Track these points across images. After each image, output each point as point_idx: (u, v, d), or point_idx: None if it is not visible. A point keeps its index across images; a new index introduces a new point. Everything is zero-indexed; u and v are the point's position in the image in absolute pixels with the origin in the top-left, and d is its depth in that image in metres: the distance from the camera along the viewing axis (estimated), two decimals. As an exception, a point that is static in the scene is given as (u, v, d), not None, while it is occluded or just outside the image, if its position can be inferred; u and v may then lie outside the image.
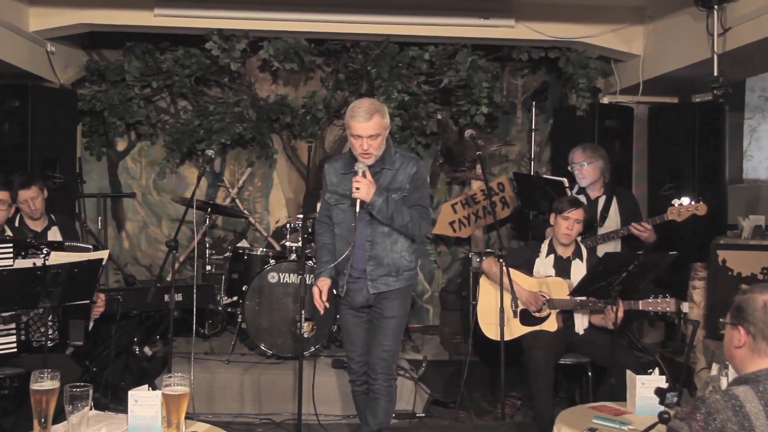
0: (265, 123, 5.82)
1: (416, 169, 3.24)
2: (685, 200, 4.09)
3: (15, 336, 3.29)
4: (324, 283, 3.29)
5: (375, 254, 3.21)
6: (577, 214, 3.89)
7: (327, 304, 3.29)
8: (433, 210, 6.20)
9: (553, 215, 3.97)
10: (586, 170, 4.43)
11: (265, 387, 4.42)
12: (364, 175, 3.10)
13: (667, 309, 3.68)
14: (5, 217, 3.73)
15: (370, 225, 3.18)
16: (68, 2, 5.15)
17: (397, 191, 3.19)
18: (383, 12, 5.34)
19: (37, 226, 4.05)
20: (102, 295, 3.68)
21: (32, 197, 3.97)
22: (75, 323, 3.55)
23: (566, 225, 3.89)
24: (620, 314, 3.53)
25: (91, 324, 3.63)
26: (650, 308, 3.69)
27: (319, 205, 3.45)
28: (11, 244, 3.29)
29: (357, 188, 3.07)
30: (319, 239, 3.42)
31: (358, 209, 3.07)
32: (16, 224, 4.00)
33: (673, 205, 4.10)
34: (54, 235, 4.07)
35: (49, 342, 3.34)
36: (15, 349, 3.30)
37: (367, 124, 3.09)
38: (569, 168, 4.55)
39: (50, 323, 3.37)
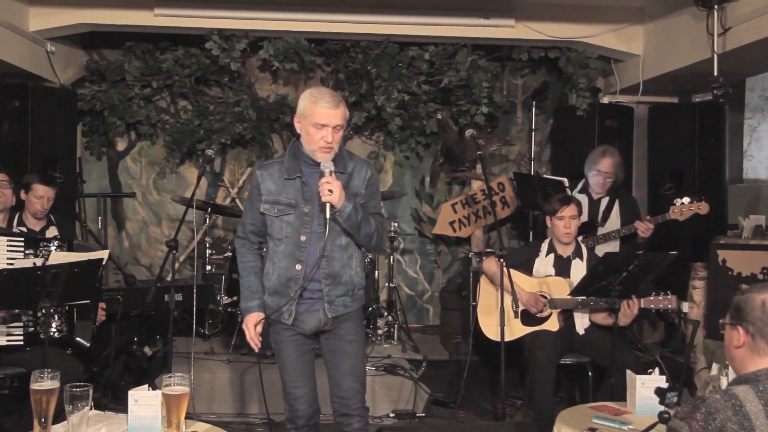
0: (265, 123, 5.82)
1: (371, 173, 2.84)
2: (687, 199, 4.08)
3: (22, 329, 3.31)
4: (258, 318, 2.77)
5: (332, 271, 2.74)
6: (570, 210, 3.89)
7: (260, 340, 2.78)
8: (433, 210, 6.21)
9: (548, 218, 3.96)
10: (609, 183, 4.40)
11: (265, 387, 4.41)
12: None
13: (669, 306, 3.67)
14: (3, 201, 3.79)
15: (323, 237, 2.67)
16: (68, 2, 5.15)
17: (353, 198, 2.75)
18: (383, 12, 5.34)
19: (36, 226, 4.07)
20: (102, 304, 3.70)
21: (49, 196, 4.03)
22: (84, 324, 3.56)
23: (563, 224, 3.89)
24: (635, 310, 3.56)
25: (95, 328, 3.65)
26: (651, 306, 3.68)
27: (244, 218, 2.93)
28: (22, 238, 3.33)
29: (330, 191, 2.61)
30: (242, 262, 2.87)
31: (328, 216, 2.62)
32: (15, 223, 4.01)
33: (675, 205, 4.10)
34: (52, 234, 4.07)
35: (56, 333, 3.36)
36: (21, 342, 3.32)
37: (336, 111, 2.66)
38: (587, 172, 4.47)
39: (57, 314, 3.39)
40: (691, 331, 2.69)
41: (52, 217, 4.17)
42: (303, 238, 2.73)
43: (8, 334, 3.30)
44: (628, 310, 3.57)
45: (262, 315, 2.77)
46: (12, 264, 3.30)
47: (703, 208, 4.05)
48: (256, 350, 2.79)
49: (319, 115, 2.65)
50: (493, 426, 4.18)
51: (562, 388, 4.39)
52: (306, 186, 2.74)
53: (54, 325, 3.36)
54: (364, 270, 2.90)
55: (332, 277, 2.75)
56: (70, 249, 3.61)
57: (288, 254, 2.74)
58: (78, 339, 3.55)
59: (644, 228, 4.14)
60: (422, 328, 5.98)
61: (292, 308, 2.75)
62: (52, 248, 3.39)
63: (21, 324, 3.33)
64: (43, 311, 3.34)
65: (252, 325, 2.76)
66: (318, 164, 2.70)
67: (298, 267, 2.73)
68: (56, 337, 3.41)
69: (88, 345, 3.56)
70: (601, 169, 4.38)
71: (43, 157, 5.09)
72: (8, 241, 3.34)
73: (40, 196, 3.99)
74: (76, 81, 5.82)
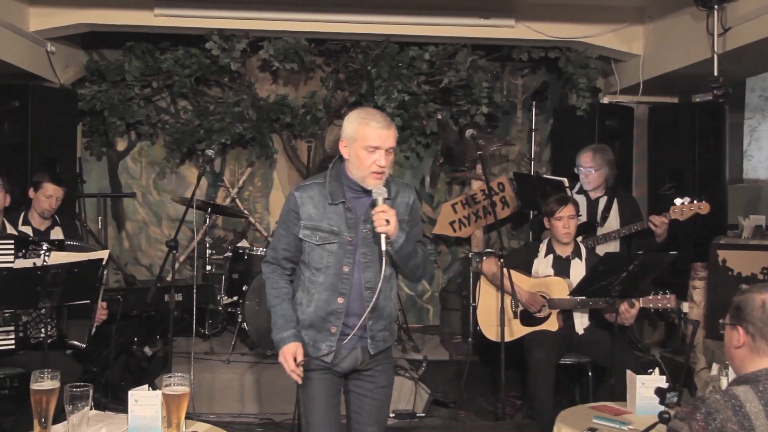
0: (265, 123, 5.82)
1: (413, 197, 2.64)
2: (687, 199, 4.08)
3: (14, 333, 3.30)
4: (296, 349, 2.51)
5: (377, 305, 2.51)
6: (568, 210, 3.89)
7: (302, 371, 2.52)
8: (433, 210, 6.21)
9: (546, 219, 3.97)
10: (593, 176, 4.42)
11: (265, 387, 4.42)
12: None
13: (668, 305, 3.68)
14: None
15: (368, 268, 2.51)
16: (68, 2, 5.15)
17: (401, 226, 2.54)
18: (383, 12, 5.34)
19: (42, 225, 4.08)
20: (104, 303, 3.69)
21: (58, 196, 4.05)
22: (79, 325, 3.55)
23: (562, 224, 3.89)
24: (634, 311, 3.57)
25: (93, 329, 3.64)
26: (651, 305, 3.69)
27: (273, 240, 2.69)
28: (12, 241, 3.31)
29: (387, 221, 2.39)
30: (274, 289, 2.60)
31: (384, 248, 2.40)
32: (20, 221, 4.02)
33: (675, 205, 4.10)
34: (57, 235, 4.08)
35: (47, 339, 3.35)
36: (13, 346, 3.30)
37: (389, 132, 2.45)
38: (575, 169, 4.54)
39: (48, 320, 3.38)
40: (691, 331, 2.69)
41: (58, 218, 4.17)
42: (346, 269, 2.50)
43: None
44: (627, 313, 3.58)
45: (300, 346, 2.51)
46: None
47: (704, 208, 4.05)
48: (300, 382, 2.54)
49: (371, 137, 2.43)
50: (493, 426, 4.19)
51: (562, 388, 4.39)
52: (350, 212, 2.51)
53: (44, 331, 3.33)
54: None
55: (376, 310, 2.51)
56: (61, 250, 3.52)
57: (329, 286, 2.51)
58: (72, 342, 3.53)
59: (659, 221, 4.11)
60: (422, 328, 5.97)
61: (333, 346, 2.52)
62: (41, 252, 3.36)
63: (13, 328, 3.30)
64: (33, 315, 3.32)
65: (291, 357, 2.48)
66: (364, 190, 2.49)
67: (340, 300, 2.50)
68: (48, 343, 3.38)
69: (84, 346, 3.55)
70: (581, 165, 4.45)
71: (43, 157, 5.09)
72: None
73: (50, 195, 4.01)
74: (76, 81, 5.82)
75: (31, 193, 4.04)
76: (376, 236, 2.44)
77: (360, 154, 2.45)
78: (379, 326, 2.57)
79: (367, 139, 2.43)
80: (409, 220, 2.59)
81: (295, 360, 2.47)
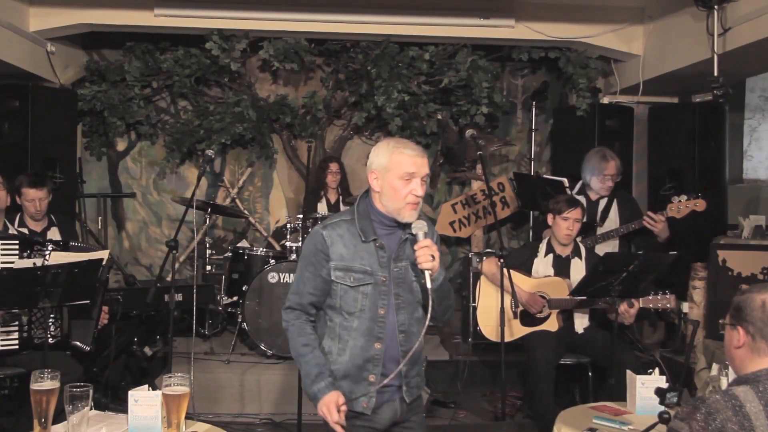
0: (265, 123, 5.82)
1: (436, 234, 2.46)
2: (684, 197, 4.09)
3: (17, 333, 3.30)
4: (339, 398, 2.23)
5: (410, 348, 2.31)
6: (576, 213, 3.88)
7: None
8: (433, 210, 6.21)
9: (551, 216, 3.95)
10: (612, 185, 4.40)
11: (265, 387, 4.42)
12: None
13: (668, 305, 3.68)
14: None
15: (402, 309, 2.33)
16: (68, 2, 5.15)
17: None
18: (383, 12, 5.34)
19: (37, 226, 4.06)
20: (106, 308, 3.69)
21: (41, 198, 3.99)
22: (83, 326, 3.55)
23: (566, 225, 3.88)
24: (634, 311, 3.59)
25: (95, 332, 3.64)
26: (650, 305, 3.69)
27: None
28: (17, 241, 3.31)
29: (432, 256, 2.23)
30: (301, 336, 2.34)
31: (429, 286, 2.21)
32: (16, 224, 4.01)
33: (672, 202, 4.10)
34: (54, 235, 4.07)
35: (50, 339, 3.35)
36: (17, 346, 3.31)
37: (423, 159, 2.29)
38: (588, 175, 4.45)
39: (52, 320, 3.38)
40: (691, 331, 2.69)
41: (53, 218, 4.17)
42: (382, 311, 2.31)
43: (2, 340, 3.28)
44: (626, 313, 3.59)
45: (340, 395, 2.23)
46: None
47: (700, 204, 4.04)
48: None
49: (407, 164, 2.26)
50: (493, 426, 4.19)
51: (562, 388, 4.39)
52: (382, 251, 2.33)
53: (48, 331, 3.34)
54: None
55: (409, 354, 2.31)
56: (66, 251, 3.52)
57: (365, 331, 2.31)
58: (76, 343, 3.53)
59: (657, 218, 4.09)
60: (422, 328, 5.96)
61: (373, 396, 2.29)
62: (47, 252, 3.36)
63: (16, 328, 3.30)
64: (37, 315, 3.33)
65: (334, 408, 2.21)
66: (396, 225, 2.33)
67: (378, 346, 2.30)
68: (51, 343, 3.38)
69: (88, 348, 3.54)
70: (608, 173, 4.37)
71: (43, 157, 5.09)
72: (1, 243, 3.31)
73: (31, 199, 3.96)
74: (76, 81, 5.82)
75: (17, 199, 4.01)
76: (408, 275, 2.32)
77: (395, 185, 2.28)
78: (414, 371, 2.39)
79: (402, 167, 2.27)
80: None
81: (338, 410, 2.22)
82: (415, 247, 2.25)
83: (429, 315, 2.22)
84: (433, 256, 2.23)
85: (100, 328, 3.72)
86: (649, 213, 4.15)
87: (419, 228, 2.27)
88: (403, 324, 2.33)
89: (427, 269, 2.23)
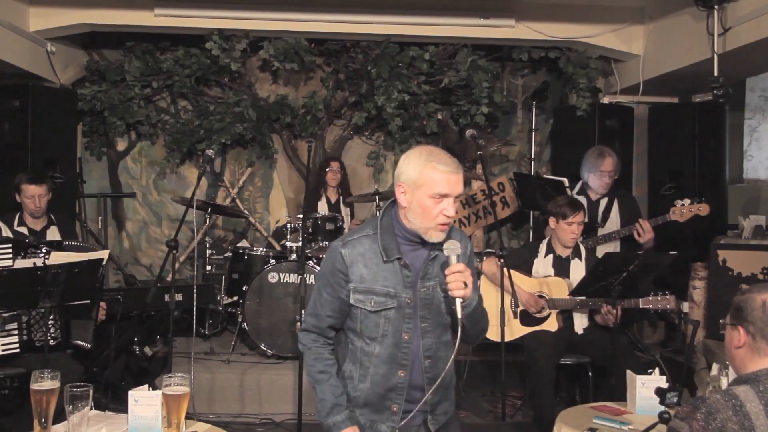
0: (265, 123, 5.82)
1: (469, 246, 2.27)
2: (687, 201, 4.08)
3: (17, 336, 3.30)
4: None
5: (436, 374, 2.14)
6: (580, 217, 3.85)
7: None
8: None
9: (553, 220, 3.89)
10: (611, 182, 4.41)
11: (265, 387, 4.42)
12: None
13: (668, 306, 3.67)
14: None
15: (428, 333, 2.17)
16: (68, 2, 5.15)
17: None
18: (383, 12, 5.34)
19: (36, 225, 4.07)
20: (103, 303, 3.69)
21: (40, 194, 4.00)
22: (83, 325, 3.55)
23: (571, 230, 3.83)
24: (617, 312, 3.56)
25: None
26: (650, 306, 3.68)
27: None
28: (9, 245, 3.30)
29: (465, 283, 2.02)
30: (318, 362, 2.21)
31: (461, 315, 2.02)
32: (16, 222, 4.01)
33: (675, 206, 4.09)
34: (53, 234, 4.08)
35: (51, 341, 3.35)
36: (18, 350, 3.30)
37: (458, 176, 2.07)
38: (585, 173, 4.47)
39: (51, 322, 3.37)
40: (691, 331, 2.69)
41: (53, 217, 4.17)
42: (406, 336, 2.14)
43: (3, 344, 3.28)
44: (610, 315, 3.59)
45: (357, 430, 2.15)
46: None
47: (704, 209, 4.05)
48: None
49: (440, 183, 2.04)
50: (493, 426, 4.19)
51: (562, 388, 4.39)
52: (407, 270, 2.15)
53: (49, 333, 3.33)
54: None
55: (436, 380, 2.12)
56: (60, 250, 3.51)
57: (387, 358, 2.15)
58: (77, 342, 3.53)
59: (640, 232, 4.11)
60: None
61: (395, 427, 2.16)
62: (41, 255, 3.36)
63: (16, 331, 3.30)
64: (36, 316, 3.32)
65: None
66: (422, 242, 2.13)
67: (402, 374, 2.15)
68: (52, 345, 3.38)
69: (89, 347, 3.55)
70: (604, 170, 4.37)
71: (43, 157, 5.09)
72: None
73: (31, 195, 3.97)
74: (76, 81, 5.83)
75: (16, 197, 4.02)
76: (436, 295, 2.15)
77: (425, 203, 2.06)
78: (439, 397, 2.21)
79: (434, 186, 2.04)
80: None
81: None
82: (446, 272, 2.04)
83: (458, 341, 2.03)
84: (465, 283, 2.02)
85: (99, 325, 3.72)
86: (641, 221, 4.15)
87: (452, 251, 2.04)
88: (430, 349, 2.17)
89: (459, 297, 2.02)
